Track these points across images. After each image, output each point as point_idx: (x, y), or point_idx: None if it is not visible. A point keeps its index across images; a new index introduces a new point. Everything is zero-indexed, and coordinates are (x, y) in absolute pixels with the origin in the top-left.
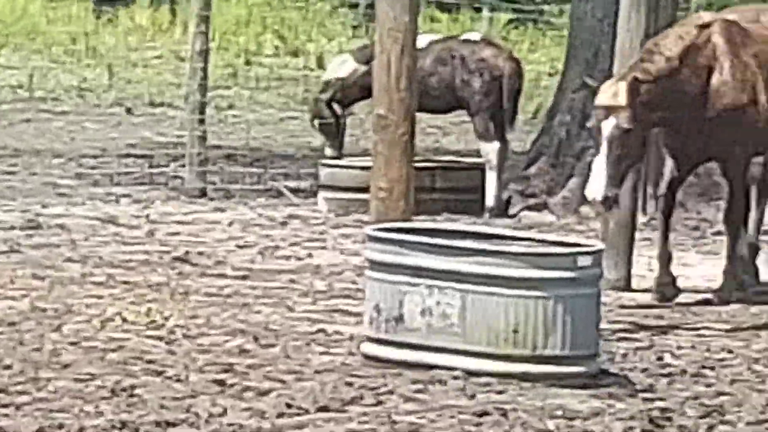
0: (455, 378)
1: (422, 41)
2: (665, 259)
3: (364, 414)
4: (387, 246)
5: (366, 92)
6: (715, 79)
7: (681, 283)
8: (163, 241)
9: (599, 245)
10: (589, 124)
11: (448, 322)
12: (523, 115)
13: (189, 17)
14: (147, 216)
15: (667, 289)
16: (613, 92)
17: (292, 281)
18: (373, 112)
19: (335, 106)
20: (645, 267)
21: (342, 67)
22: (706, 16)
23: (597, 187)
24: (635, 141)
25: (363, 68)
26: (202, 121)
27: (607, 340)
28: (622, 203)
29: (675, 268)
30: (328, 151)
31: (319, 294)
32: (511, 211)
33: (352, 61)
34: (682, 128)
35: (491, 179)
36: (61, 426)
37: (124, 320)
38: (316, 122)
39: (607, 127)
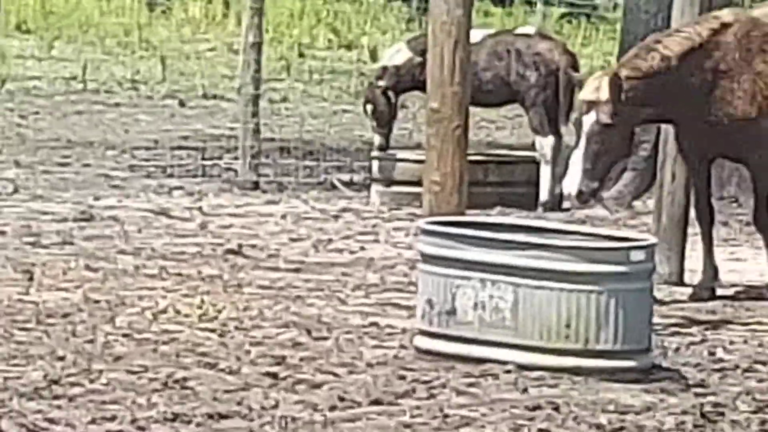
0: (507, 372)
1: (476, 35)
2: (708, 268)
3: (417, 407)
4: (439, 239)
5: (420, 82)
6: (723, 84)
7: (733, 277)
8: (216, 233)
9: (652, 239)
10: (572, 119)
11: (500, 315)
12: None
13: (242, 9)
14: (200, 208)
15: (702, 292)
16: (595, 86)
17: (345, 274)
18: (426, 106)
19: (389, 94)
20: (697, 262)
21: (397, 55)
22: (726, 16)
23: (572, 181)
24: (617, 137)
25: (418, 59)
26: (255, 114)
27: (660, 335)
28: (676, 198)
29: (727, 264)
30: (377, 139)
31: (372, 287)
32: (565, 205)
33: (407, 50)
34: (683, 128)
35: (545, 173)
36: (113, 418)
37: (177, 312)
38: (369, 108)
39: (588, 121)
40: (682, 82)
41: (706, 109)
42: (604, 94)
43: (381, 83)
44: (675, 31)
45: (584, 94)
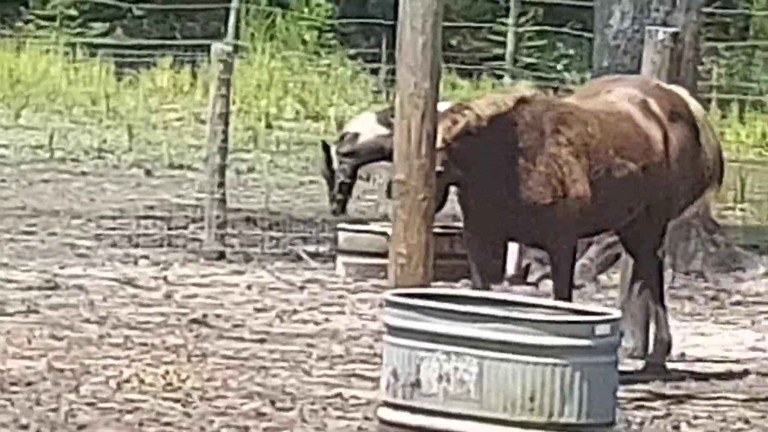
0: None
1: (443, 108)
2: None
3: None
4: (405, 311)
5: (381, 154)
6: (521, 163)
7: (698, 352)
8: (181, 303)
9: (617, 313)
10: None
11: (465, 388)
12: None
13: (210, 79)
14: (165, 278)
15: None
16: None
17: (310, 345)
18: (392, 178)
19: (349, 160)
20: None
21: (363, 124)
22: (526, 91)
23: None
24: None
25: (383, 130)
26: (221, 184)
27: (624, 409)
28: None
29: (693, 338)
30: (328, 207)
31: (337, 358)
32: (531, 278)
33: (374, 120)
34: (481, 202)
35: (512, 247)
36: None
37: (141, 382)
38: (324, 169)
39: None
40: (488, 149)
41: (506, 186)
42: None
43: (342, 149)
44: (476, 97)
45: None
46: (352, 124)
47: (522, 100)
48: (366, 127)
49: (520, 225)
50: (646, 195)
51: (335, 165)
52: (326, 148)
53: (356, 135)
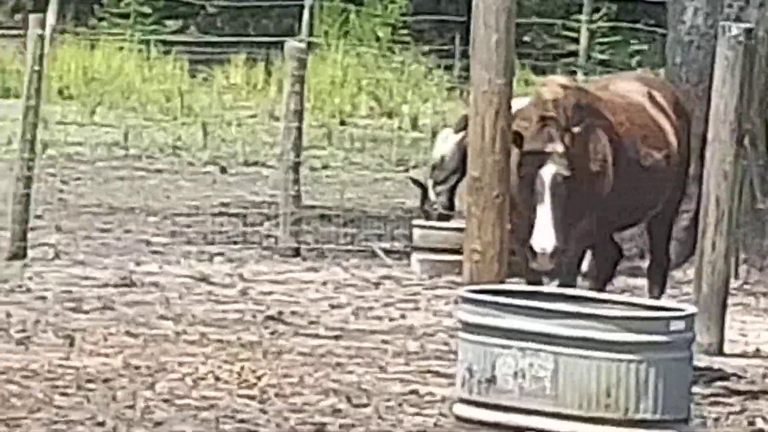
0: None
1: (519, 105)
2: None
3: None
4: (480, 308)
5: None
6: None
7: None
8: (257, 299)
9: (692, 309)
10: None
11: (540, 384)
12: None
13: (284, 77)
14: (240, 275)
15: None
16: (546, 137)
17: (385, 342)
18: (467, 174)
19: (442, 189)
20: (737, 331)
21: (444, 144)
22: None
23: (546, 238)
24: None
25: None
26: (296, 181)
27: (699, 405)
28: (717, 268)
29: (767, 334)
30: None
31: (412, 355)
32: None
33: (452, 133)
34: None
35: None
36: None
37: (217, 379)
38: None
39: (547, 174)
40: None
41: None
42: (560, 146)
43: (438, 178)
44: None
45: (536, 146)
46: (435, 149)
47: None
48: (448, 146)
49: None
50: (670, 185)
51: (432, 197)
52: (418, 183)
53: (442, 158)
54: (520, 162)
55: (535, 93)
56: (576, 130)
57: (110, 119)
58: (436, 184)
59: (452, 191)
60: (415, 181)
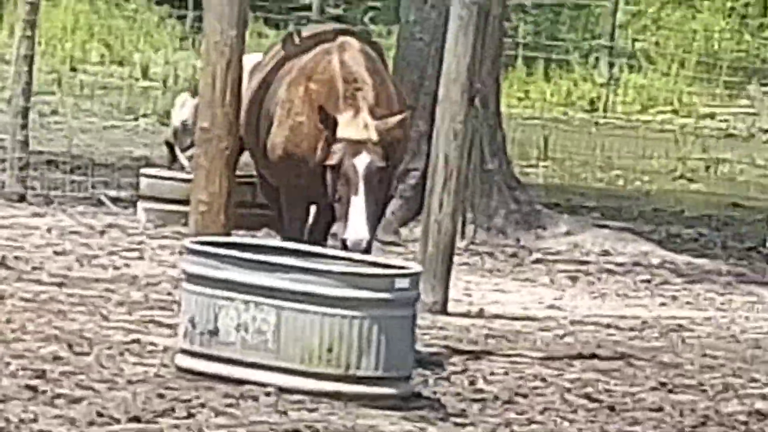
0: (267, 394)
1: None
2: None
3: (175, 426)
4: (204, 259)
5: None
6: None
7: (496, 309)
8: None
9: (417, 267)
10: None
11: (262, 338)
12: None
13: (15, 21)
14: None
15: None
16: (361, 125)
17: (109, 290)
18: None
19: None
20: (462, 291)
21: (184, 110)
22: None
23: (360, 228)
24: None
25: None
26: (24, 126)
27: (421, 363)
28: (443, 227)
29: (492, 295)
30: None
31: (135, 304)
32: (333, 230)
33: (189, 98)
34: None
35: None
36: None
37: None
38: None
39: (362, 163)
40: None
41: None
42: (374, 135)
43: (183, 145)
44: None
45: (352, 133)
46: (174, 115)
47: None
48: (187, 111)
49: None
50: None
51: (184, 162)
52: (169, 146)
53: (184, 124)
54: (329, 148)
55: (322, 52)
56: (393, 121)
57: None
58: (182, 150)
59: None
60: (169, 144)
